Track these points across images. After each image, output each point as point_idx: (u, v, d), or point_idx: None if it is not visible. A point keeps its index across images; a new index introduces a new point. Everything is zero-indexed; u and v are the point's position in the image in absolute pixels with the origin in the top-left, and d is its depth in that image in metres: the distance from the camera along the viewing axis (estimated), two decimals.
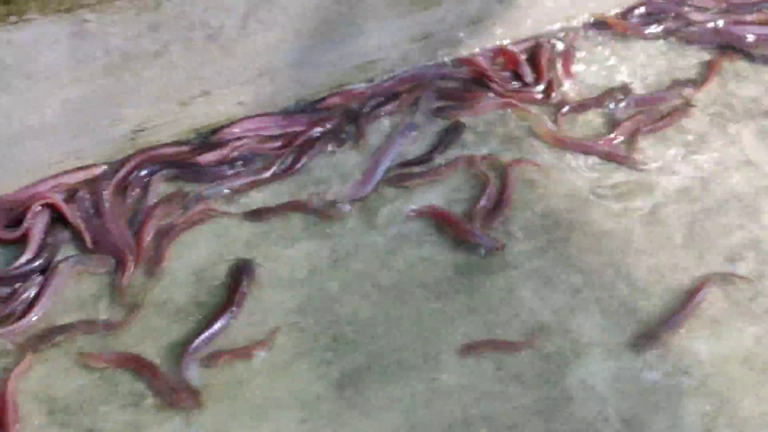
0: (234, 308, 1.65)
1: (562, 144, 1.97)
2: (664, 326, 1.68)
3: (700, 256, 1.83)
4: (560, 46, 2.21)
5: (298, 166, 1.90)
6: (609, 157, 1.98)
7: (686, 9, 2.34)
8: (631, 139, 2.01)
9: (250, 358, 1.61)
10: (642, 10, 2.31)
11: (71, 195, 1.78)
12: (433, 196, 1.89)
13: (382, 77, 2.04)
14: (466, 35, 2.08)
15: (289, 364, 1.61)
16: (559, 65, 2.12)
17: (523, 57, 2.15)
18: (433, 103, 2.03)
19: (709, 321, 1.73)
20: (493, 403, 1.59)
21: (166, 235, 1.73)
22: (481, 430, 1.55)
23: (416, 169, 1.91)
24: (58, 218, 1.76)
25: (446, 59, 2.12)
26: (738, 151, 2.02)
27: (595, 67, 2.20)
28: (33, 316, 1.61)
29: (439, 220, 1.82)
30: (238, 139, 1.91)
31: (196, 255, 1.75)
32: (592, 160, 1.98)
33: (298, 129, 1.96)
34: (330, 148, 1.93)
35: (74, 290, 1.69)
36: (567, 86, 2.09)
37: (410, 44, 2.01)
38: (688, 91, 2.12)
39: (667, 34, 2.29)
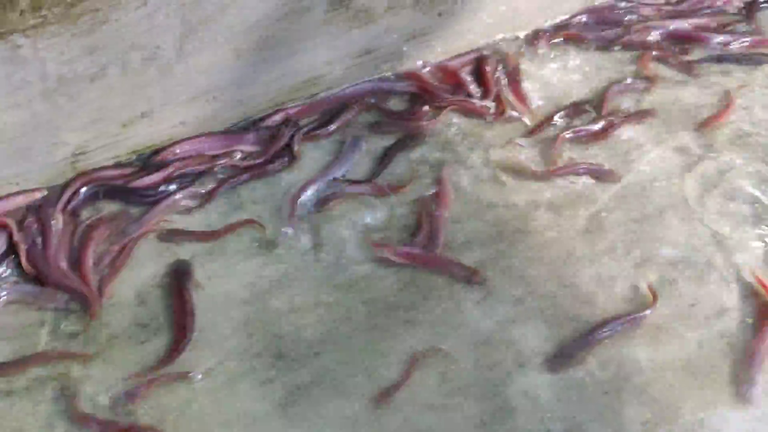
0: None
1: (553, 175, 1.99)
2: (578, 345, 1.68)
3: (640, 263, 1.85)
4: (505, 58, 2.21)
5: (240, 185, 1.88)
6: (595, 174, 2.00)
7: (629, 17, 2.35)
8: (554, 148, 2.01)
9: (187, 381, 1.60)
10: (584, 18, 2.32)
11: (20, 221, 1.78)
12: (370, 217, 1.88)
13: (325, 93, 2.04)
14: (408, 49, 2.10)
15: (233, 383, 1.61)
16: (506, 81, 2.13)
17: (466, 71, 2.15)
18: (376, 119, 2.02)
19: (650, 327, 1.74)
20: (437, 416, 1.60)
21: (109, 267, 1.72)
22: None
23: (346, 190, 1.91)
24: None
25: (390, 74, 2.11)
26: (676, 157, 2.03)
27: (541, 80, 2.20)
28: None
29: (409, 261, 1.81)
30: (181, 159, 1.90)
31: (138, 276, 1.74)
32: (533, 172, 1.98)
33: (241, 148, 1.95)
34: (272, 167, 1.92)
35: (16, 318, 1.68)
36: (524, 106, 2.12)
37: (352, 60, 2.02)
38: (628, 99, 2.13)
39: (611, 42, 2.30)
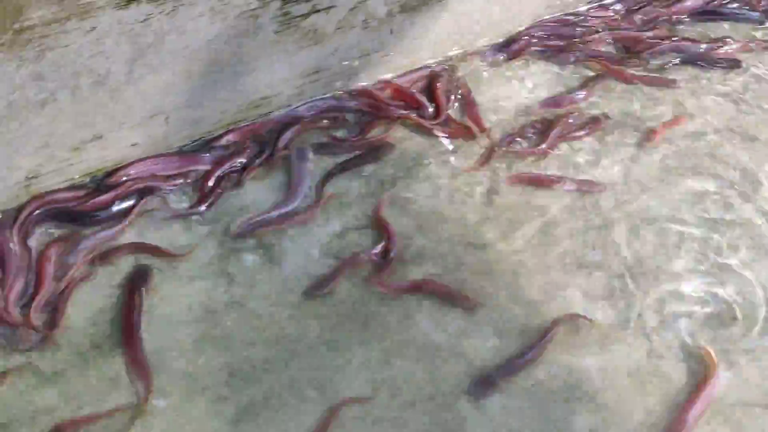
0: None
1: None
2: (500, 372, 1.71)
3: (590, 273, 1.88)
4: (457, 75, 2.24)
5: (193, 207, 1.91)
6: (581, 186, 2.04)
7: (579, 29, 2.39)
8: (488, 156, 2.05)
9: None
10: (536, 32, 2.36)
11: None
12: (322, 234, 1.91)
13: (277, 112, 2.06)
14: (360, 67, 2.12)
15: (186, 402, 1.63)
16: (459, 100, 2.17)
17: (419, 87, 2.18)
18: (323, 140, 2.05)
19: (599, 336, 1.77)
20: (388, 431, 1.61)
21: (60, 295, 1.74)
22: None
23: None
24: None
25: (342, 92, 2.14)
26: (625, 168, 2.07)
27: (492, 94, 2.24)
28: None
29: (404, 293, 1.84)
30: (134, 180, 1.91)
31: (91, 298, 1.75)
32: (484, 186, 2.01)
33: (195, 168, 1.97)
34: (227, 185, 1.94)
35: None
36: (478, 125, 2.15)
37: (303, 79, 2.05)
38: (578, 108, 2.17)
39: (561, 54, 2.33)
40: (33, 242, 1.82)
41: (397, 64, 2.18)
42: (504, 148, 2.07)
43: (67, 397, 1.61)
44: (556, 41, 2.35)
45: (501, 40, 2.34)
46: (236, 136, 2.04)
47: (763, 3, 2.56)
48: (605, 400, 1.68)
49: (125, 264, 1.81)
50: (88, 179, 1.92)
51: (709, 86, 2.31)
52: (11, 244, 1.77)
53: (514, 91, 2.25)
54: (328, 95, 2.13)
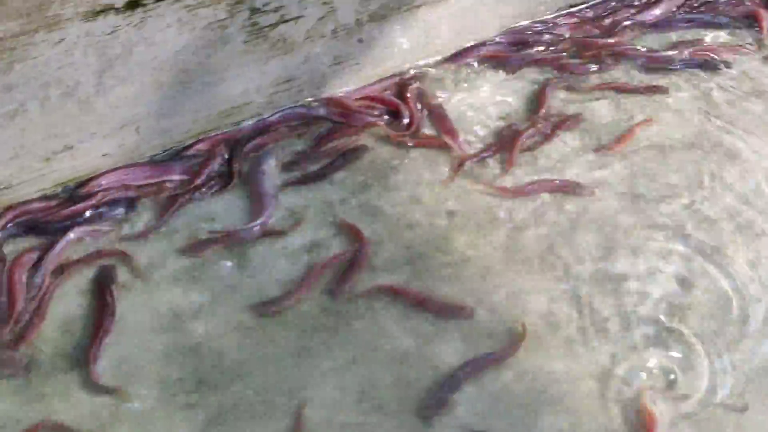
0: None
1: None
2: (448, 390, 1.72)
3: (556, 278, 1.91)
4: (428, 83, 2.27)
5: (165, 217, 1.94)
6: (563, 188, 2.07)
7: (547, 37, 2.42)
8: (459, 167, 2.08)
9: None
10: (502, 40, 2.38)
11: None
12: (293, 240, 1.93)
13: (249, 121, 2.09)
14: (330, 76, 2.15)
15: (155, 410, 1.65)
16: (430, 112, 2.19)
17: (388, 96, 2.21)
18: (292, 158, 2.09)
19: (564, 340, 1.80)
20: None
21: (36, 309, 1.76)
22: None
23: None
24: None
25: (313, 100, 2.16)
26: (591, 172, 2.10)
27: (461, 102, 2.26)
28: None
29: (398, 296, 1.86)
30: (106, 190, 1.93)
31: (62, 307, 1.77)
32: (453, 193, 2.04)
33: (166, 177, 1.99)
34: (199, 194, 1.96)
35: None
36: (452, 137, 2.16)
37: (274, 88, 2.07)
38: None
39: (528, 63, 2.36)
40: (5, 252, 1.83)
41: (367, 73, 2.21)
42: (475, 159, 2.08)
43: (37, 406, 1.61)
44: (524, 49, 2.36)
45: (470, 48, 2.34)
46: (207, 145, 2.05)
47: (733, 9, 2.57)
48: (571, 405, 1.71)
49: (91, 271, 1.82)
50: (60, 189, 1.93)
51: (676, 94, 2.32)
52: None
53: (483, 99, 2.27)
54: (299, 104, 2.15)
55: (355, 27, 2.09)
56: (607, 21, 2.49)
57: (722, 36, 2.52)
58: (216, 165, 2.02)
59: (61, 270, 1.81)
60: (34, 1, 1.61)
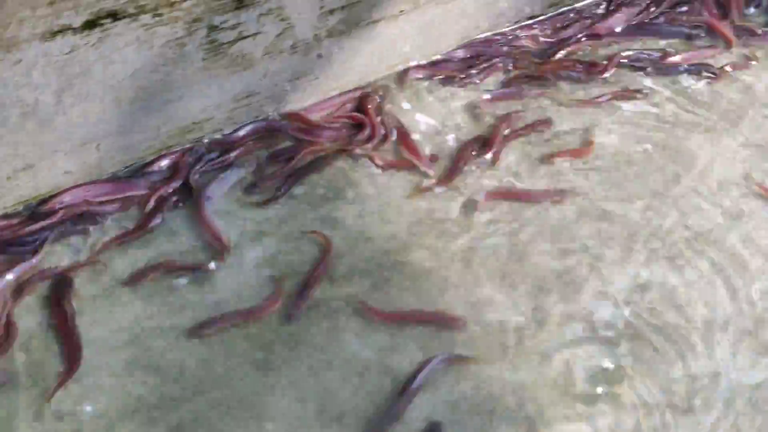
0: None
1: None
2: (386, 420, 1.73)
3: (514, 287, 1.94)
4: (388, 96, 2.30)
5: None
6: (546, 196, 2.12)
7: (506, 49, 2.46)
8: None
9: None
10: (463, 53, 2.42)
11: None
12: (257, 252, 1.96)
13: (210, 137, 2.11)
14: (290, 90, 2.17)
15: (115, 425, 1.66)
16: (394, 131, 2.22)
17: (347, 110, 2.24)
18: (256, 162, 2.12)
19: (522, 349, 1.84)
20: None
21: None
22: None
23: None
24: None
25: (274, 115, 2.19)
26: (552, 183, 2.13)
27: (424, 114, 2.30)
28: None
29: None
30: (68, 207, 1.95)
31: (24, 324, 1.79)
32: (413, 204, 2.07)
33: (128, 193, 2.01)
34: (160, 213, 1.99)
35: None
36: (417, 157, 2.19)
37: (235, 103, 2.09)
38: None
39: (491, 75, 2.40)
40: None
41: (327, 87, 2.23)
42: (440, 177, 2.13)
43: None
44: (484, 61, 2.39)
45: (431, 61, 2.38)
46: (169, 161, 2.07)
47: (690, 19, 2.61)
48: (527, 413, 1.74)
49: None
50: (21, 207, 1.94)
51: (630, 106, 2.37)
52: None
53: (445, 112, 2.30)
54: (260, 119, 2.17)
55: (314, 42, 2.11)
56: (564, 32, 2.50)
57: (684, 45, 2.55)
58: (175, 182, 2.02)
59: (20, 289, 1.81)
60: None
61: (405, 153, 2.18)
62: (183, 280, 1.90)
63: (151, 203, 2.00)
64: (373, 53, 2.27)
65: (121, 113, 1.93)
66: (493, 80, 2.41)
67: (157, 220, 1.98)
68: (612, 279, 1.97)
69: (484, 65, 2.41)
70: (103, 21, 1.78)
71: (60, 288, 1.83)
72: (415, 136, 2.23)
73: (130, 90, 1.90)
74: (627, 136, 2.30)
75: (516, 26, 2.52)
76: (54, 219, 1.95)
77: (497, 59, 2.42)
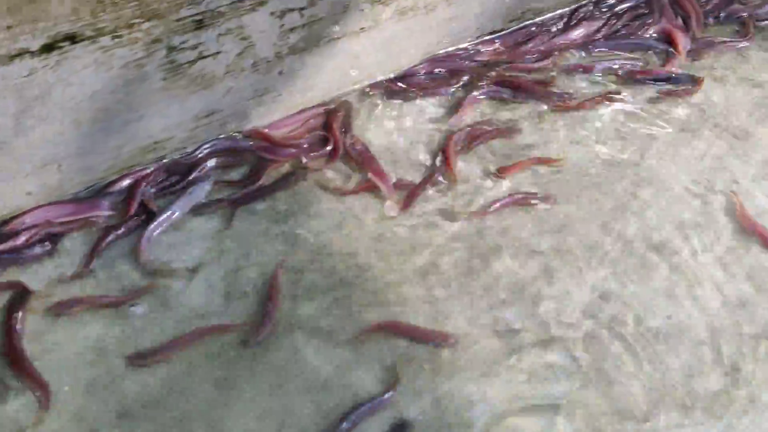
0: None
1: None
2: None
3: (475, 300, 1.96)
4: (352, 112, 2.32)
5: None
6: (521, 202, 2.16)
7: (468, 64, 2.48)
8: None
9: None
10: (426, 68, 2.44)
11: None
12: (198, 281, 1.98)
13: (172, 156, 2.12)
14: (252, 108, 2.19)
15: None
16: (359, 154, 2.24)
17: (311, 126, 2.26)
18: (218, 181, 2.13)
19: (483, 362, 1.85)
20: None
21: None
22: None
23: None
24: None
25: (236, 133, 2.20)
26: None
27: (387, 130, 2.32)
28: None
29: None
30: (30, 228, 1.96)
31: None
32: (374, 219, 2.09)
33: (90, 213, 2.03)
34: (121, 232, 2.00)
35: None
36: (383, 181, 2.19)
37: (196, 122, 2.11)
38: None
39: (454, 89, 2.42)
40: None
41: (290, 104, 2.25)
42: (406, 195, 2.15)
43: None
44: (447, 75, 2.42)
45: (394, 76, 2.40)
46: (131, 181, 2.08)
47: (652, 32, 2.65)
48: (488, 427, 1.75)
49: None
50: None
51: (595, 116, 2.39)
52: None
53: (409, 127, 2.32)
54: (222, 137, 2.19)
55: (275, 60, 2.13)
56: (527, 46, 2.53)
57: (645, 57, 2.58)
58: (135, 203, 2.03)
59: None
60: None
61: (370, 175, 2.18)
62: (144, 300, 1.90)
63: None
64: (335, 69, 2.28)
65: (81, 134, 1.94)
66: (455, 95, 2.40)
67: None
68: (572, 290, 1.99)
69: (447, 80, 2.40)
70: (61, 44, 1.79)
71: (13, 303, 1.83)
72: (376, 152, 2.23)
73: (90, 111, 1.91)
74: (587, 148, 2.31)
75: (478, 41, 2.53)
76: (16, 241, 1.94)
77: (460, 74, 2.42)
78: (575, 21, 2.64)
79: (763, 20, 2.75)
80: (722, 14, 2.76)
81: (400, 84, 2.41)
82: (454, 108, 2.37)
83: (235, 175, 2.18)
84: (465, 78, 2.45)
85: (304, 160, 2.20)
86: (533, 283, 2.00)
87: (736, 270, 2.07)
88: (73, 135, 1.94)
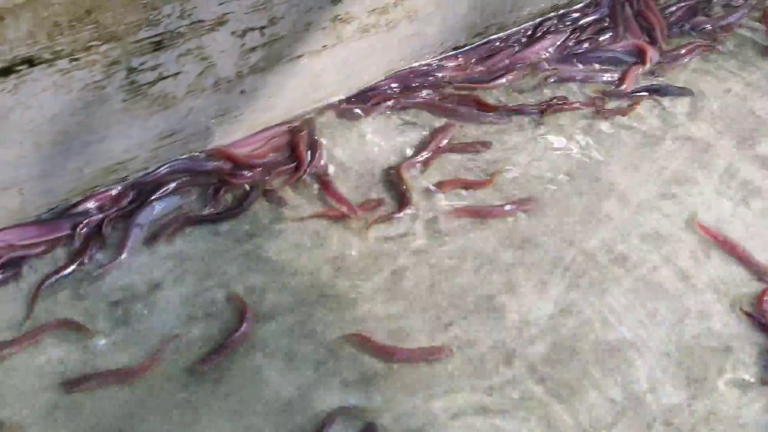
0: None
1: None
2: None
3: (437, 316, 1.97)
4: (315, 130, 2.33)
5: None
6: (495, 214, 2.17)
7: (431, 79, 2.49)
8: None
9: None
10: (389, 84, 2.45)
11: None
12: (160, 303, 1.97)
13: (135, 176, 2.13)
14: (215, 127, 2.19)
15: None
16: (317, 180, 2.24)
17: (274, 145, 2.27)
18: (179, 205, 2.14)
19: (444, 378, 1.86)
20: None
21: None
22: None
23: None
24: None
25: (199, 152, 2.21)
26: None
27: (350, 147, 2.32)
28: None
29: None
30: None
31: None
32: (337, 238, 2.09)
33: (54, 235, 2.02)
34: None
35: None
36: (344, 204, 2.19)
37: (158, 142, 2.11)
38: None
39: (418, 106, 2.43)
40: None
41: (253, 123, 2.26)
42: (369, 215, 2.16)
43: None
44: (410, 92, 2.43)
45: (356, 93, 2.42)
46: (94, 202, 2.08)
47: (622, 43, 2.67)
48: None
49: None
50: None
51: (558, 130, 2.41)
52: None
53: (371, 144, 2.32)
54: (185, 156, 2.19)
55: (237, 79, 2.13)
56: (489, 61, 2.54)
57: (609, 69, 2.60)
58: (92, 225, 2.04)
59: None
60: None
61: (335, 203, 2.19)
62: (105, 322, 1.89)
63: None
64: (297, 88, 2.29)
65: (42, 157, 1.94)
66: (418, 111, 2.41)
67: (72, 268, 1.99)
68: (533, 305, 2.00)
69: (410, 96, 2.42)
70: (18, 68, 1.78)
71: None
72: (340, 169, 2.25)
73: (50, 134, 1.91)
74: (551, 161, 2.32)
75: (442, 56, 2.55)
76: None
77: (423, 90, 2.43)
78: (540, 34, 2.64)
79: (726, 31, 2.76)
80: (686, 26, 2.77)
81: (362, 101, 2.41)
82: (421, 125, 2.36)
83: (195, 195, 2.15)
84: (427, 94, 2.43)
85: (267, 179, 2.18)
86: (496, 298, 2.01)
87: (697, 281, 2.07)
88: (34, 158, 1.93)
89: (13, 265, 1.99)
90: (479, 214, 2.18)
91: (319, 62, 2.28)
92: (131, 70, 1.94)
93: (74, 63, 1.85)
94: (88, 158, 2.03)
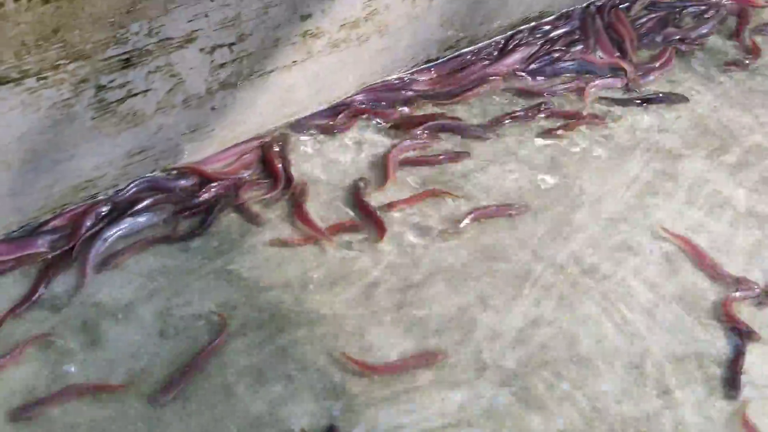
0: None
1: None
2: None
3: (407, 330, 1.97)
4: (287, 144, 2.34)
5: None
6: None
7: (404, 92, 2.51)
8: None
9: None
10: (361, 98, 2.46)
11: None
12: (130, 321, 1.98)
13: (105, 193, 2.13)
14: (185, 144, 2.20)
15: None
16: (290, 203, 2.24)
17: (246, 161, 2.28)
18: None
19: (414, 391, 1.87)
20: None
21: None
22: None
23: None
24: None
25: (170, 169, 2.21)
26: (446, 225, 2.19)
27: (321, 162, 2.33)
28: None
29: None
30: None
31: None
32: (308, 252, 2.10)
33: (23, 252, 2.03)
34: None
35: None
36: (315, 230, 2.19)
37: (128, 159, 2.11)
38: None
39: (385, 118, 2.44)
40: None
41: (224, 138, 2.26)
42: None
43: None
44: (381, 106, 2.44)
45: (328, 108, 2.43)
46: (64, 220, 2.08)
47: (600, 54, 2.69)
48: None
49: None
50: None
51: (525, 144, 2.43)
52: None
53: (343, 158, 2.34)
54: (155, 173, 2.19)
55: (207, 96, 2.14)
56: (461, 74, 2.56)
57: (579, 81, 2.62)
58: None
59: None
60: None
61: (301, 224, 2.20)
62: (76, 339, 1.90)
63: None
64: (269, 103, 2.30)
65: (10, 176, 1.94)
66: (390, 125, 2.43)
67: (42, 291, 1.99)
68: (504, 317, 2.02)
69: (380, 110, 2.43)
70: None
71: None
72: (312, 183, 2.26)
73: (19, 153, 1.92)
74: (520, 174, 2.33)
75: (414, 70, 2.56)
76: None
77: (394, 103, 2.45)
78: (511, 47, 2.66)
79: (695, 43, 2.78)
80: (657, 37, 2.80)
81: (333, 115, 2.42)
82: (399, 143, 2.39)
83: (166, 213, 2.16)
84: (398, 107, 2.45)
85: (238, 194, 2.18)
86: (467, 311, 2.02)
87: (665, 292, 2.09)
88: (2, 176, 1.94)
89: None
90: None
91: (290, 77, 2.29)
92: (100, 88, 1.95)
93: (42, 82, 1.85)
94: (57, 176, 2.03)
